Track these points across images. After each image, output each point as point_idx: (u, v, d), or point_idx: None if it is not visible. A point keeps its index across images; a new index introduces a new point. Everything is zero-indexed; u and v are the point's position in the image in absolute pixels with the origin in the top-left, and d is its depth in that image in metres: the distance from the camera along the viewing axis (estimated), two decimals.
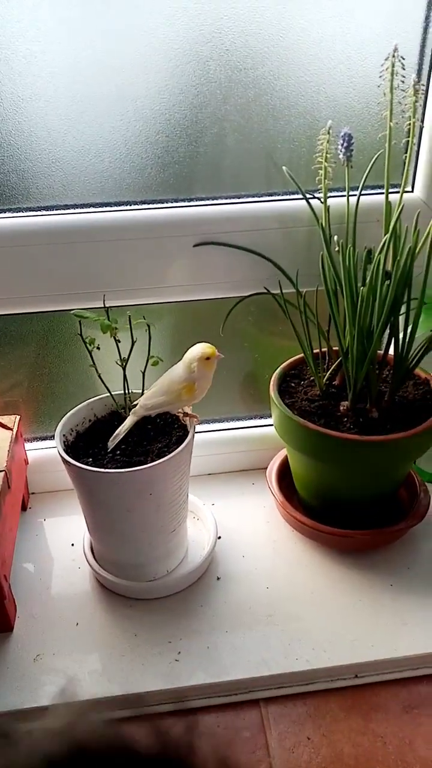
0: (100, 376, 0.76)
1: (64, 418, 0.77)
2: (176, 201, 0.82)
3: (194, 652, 0.73)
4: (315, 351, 0.84)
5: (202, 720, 0.69)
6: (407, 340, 0.78)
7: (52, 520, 0.92)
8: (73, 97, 0.74)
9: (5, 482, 0.78)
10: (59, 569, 0.84)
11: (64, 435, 0.76)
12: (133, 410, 0.75)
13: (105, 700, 0.69)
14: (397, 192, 0.77)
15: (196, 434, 0.76)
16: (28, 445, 0.93)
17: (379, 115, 0.74)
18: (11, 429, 0.85)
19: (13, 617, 0.77)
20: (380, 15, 0.75)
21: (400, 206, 0.74)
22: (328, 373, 0.84)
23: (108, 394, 0.79)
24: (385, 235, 0.75)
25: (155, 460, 0.70)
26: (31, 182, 0.78)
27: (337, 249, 0.76)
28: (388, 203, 0.77)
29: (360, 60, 0.77)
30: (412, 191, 0.85)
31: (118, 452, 0.75)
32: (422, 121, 0.79)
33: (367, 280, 0.73)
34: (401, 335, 0.78)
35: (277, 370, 0.86)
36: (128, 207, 0.81)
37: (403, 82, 0.71)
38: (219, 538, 0.87)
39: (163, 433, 0.78)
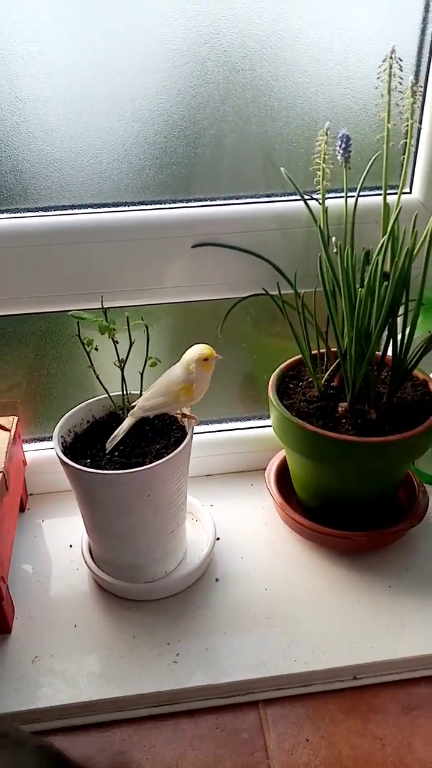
0: (98, 377, 0.76)
1: (62, 419, 0.77)
2: (174, 202, 0.82)
3: (193, 653, 0.73)
4: (313, 352, 0.84)
5: (202, 721, 0.69)
6: (405, 341, 0.78)
7: (51, 521, 0.91)
8: (71, 98, 0.74)
9: (3, 483, 0.77)
10: (57, 571, 0.84)
11: (62, 436, 0.76)
12: (131, 412, 0.75)
13: (103, 702, 0.69)
14: (395, 193, 0.77)
15: (194, 435, 0.76)
16: (26, 446, 0.93)
17: (376, 117, 0.74)
18: (9, 430, 0.85)
19: (11, 619, 0.76)
20: (378, 16, 0.75)
21: (398, 207, 0.74)
22: (327, 374, 0.84)
23: (106, 395, 0.79)
24: (383, 236, 0.75)
25: (153, 462, 0.70)
26: (29, 183, 0.78)
27: (335, 250, 0.76)
28: (386, 204, 0.77)
29: (358, 61, 0.77)
30: (410, 192, 0.85)
31: (116, 453, 0.74)
32: (420, 123, 0.80)
33: (366, 282, 0.73)
34: (399, 336, 0.78)
35: (276, 371, 0.86)
36: (126, 208, 0.81)
37: (400, 83, 0.71)
38: (217, 539, 0.86)
39: (161, 434, 0.78)
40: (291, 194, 0.82)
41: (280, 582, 0.82)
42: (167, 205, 0.81)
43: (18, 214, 0.79)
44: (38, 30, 0.70)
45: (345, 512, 0.83)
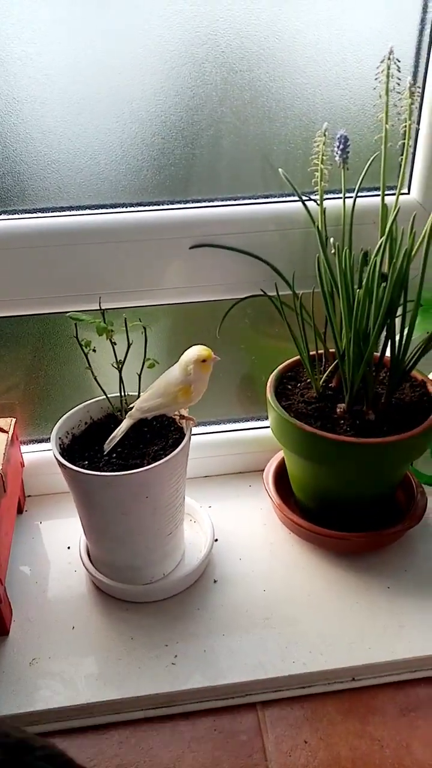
0: (96, 379, 0.76)
1: (60, 421, 0.77)
2: (172, 203, 0.82)
3: (191, 655, 0.73)
4: (311, 353, 0.84)
5: (199, 723, 0.69)
6: (404, 342, 0.78)
7: (48, 522, 0.91)
8: (68, 99, 0.74)
9: (1, 485, 0.77)
10: (55, 572, 0.84)
11: (59, 438, 0.76)
12: (129, 413, 0.75)
13: (101, 704, 0.69)
14: (393, 194, 0.77)
15: (192, 436, 0.76)
16: (24, 448, 0.93)
17: (375, 118, 0.74)
18: (7, 431, 0.85)
19: (8, 621, 0.76)
20: (376, 17, 0.75)
21: (396, 208, 0.74)
22: (325, 375, 0.84)
23: (104, 396, 0.79)
24: (381, 237, 0.75)
25: (151, 463, 0.70)
26: (27, 184, 0.78)
27: (333, 251, 0.76)
28: (384, 205, 0.77)
29: (356, 62, 0.77)
30: (408, 193, 0.85)
31: (114, 455, 0.74)
32: (418, 123, 0.80)
33: (364, 282, 0.73)
34: (398, 337, 0.78)
35: (274, 372, 0.86)
36: (124, 209, 0.81)
37: (398, 84, 0.71)
38: (216, 540, 0.86)
39: (159, 435, 0.77)
40: (289, 195, 0.82)
41: (278, 583, 0.82)
42: (165, 206, 0.81)
43: (16, 216, 0.79)
44: (36, 31, 0.70)
45: (343, 513, 0.83)
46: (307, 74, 0.77)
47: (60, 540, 0.88)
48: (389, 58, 0.70)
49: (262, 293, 0.83)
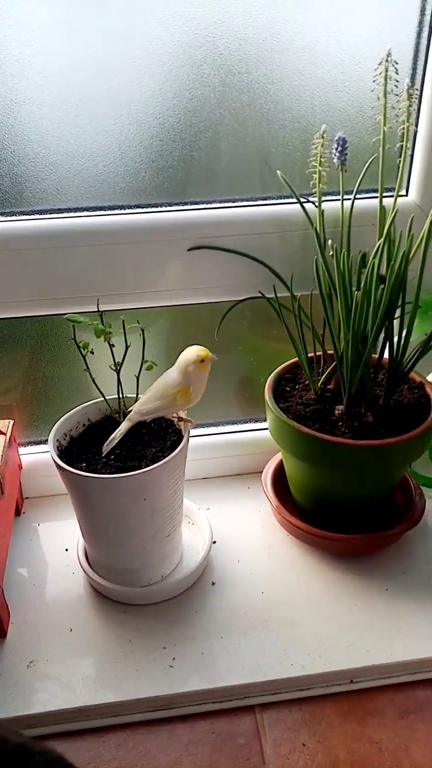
0: (94, 381, 0.76)
1: (57, 423, 0.77)
2: (170, 205, 0.82)
3: (189, 658, 0.73)
4: (310, 355, 0.84)
5: (197, 726, 0.69)
6: (402, 344, 0.78)
7: (46, 524, 0.91)
8: (66, 101, 0.74)
9: None
10: (53, 574, 0.83)
11: (57, 440, 0.76)
12: (128, 416, 0.74)
13: (98, 707, 0.69)
14: (391, 196, 0.77)
15: (190, 438, 0.76)
16: (21, 450, 0.93)
17: (373, 120, 0.74)
18: (5, 433, 0.85)
19: (6, 623, 0.76)
20: (374, 19, 0.75)
21: (395, 210, 0.74)
22: (323, 377, 0.84)
23: (102, 398, 0.79)
24: (379, 239, 0.75)
25: (149, 465, 0.70)
26: (25, 186, 0.78)
27: (331, 253, 0.76)
28: (382, 207, 0.77)
29: (354, 64, 0.77)
30: (406, 195, 0.85)
31: (112, 457, 0.74)
32: (416, 126, 0.80)
33: (362, 284, 0.73)
34: (396, 339, 0.78)
35: (272, 374, 0.86)
36: (122, 211, 0.81)
37: (396, 86, 0.71)
38: (214, 542, 0.86)
39: (157, 437, 0.77)
40: (287, 197, 0.82)
41: (276, 585, 0.82)
42: (163, 208, 0.81)
43: (14, 218, 0.79)
44: (34, 33, 0.70)
45: (341, 515, 0.83)
46: (305, 76, 0.77)
47: (58, 542, 0.88)
48: (387, 61, 0.70)
49: (260, 295, 0.83)
